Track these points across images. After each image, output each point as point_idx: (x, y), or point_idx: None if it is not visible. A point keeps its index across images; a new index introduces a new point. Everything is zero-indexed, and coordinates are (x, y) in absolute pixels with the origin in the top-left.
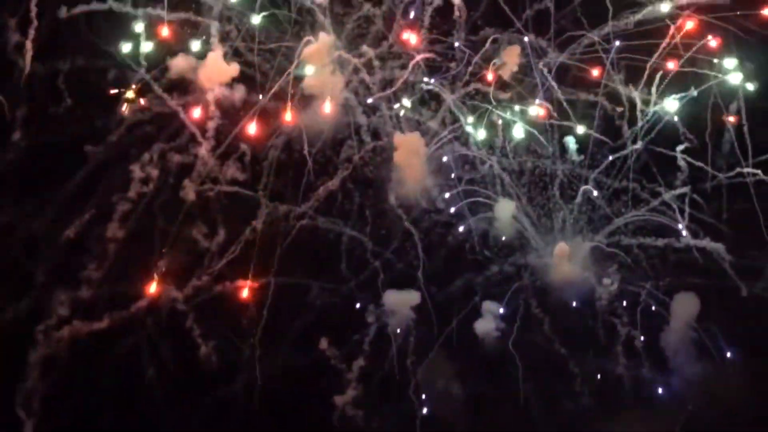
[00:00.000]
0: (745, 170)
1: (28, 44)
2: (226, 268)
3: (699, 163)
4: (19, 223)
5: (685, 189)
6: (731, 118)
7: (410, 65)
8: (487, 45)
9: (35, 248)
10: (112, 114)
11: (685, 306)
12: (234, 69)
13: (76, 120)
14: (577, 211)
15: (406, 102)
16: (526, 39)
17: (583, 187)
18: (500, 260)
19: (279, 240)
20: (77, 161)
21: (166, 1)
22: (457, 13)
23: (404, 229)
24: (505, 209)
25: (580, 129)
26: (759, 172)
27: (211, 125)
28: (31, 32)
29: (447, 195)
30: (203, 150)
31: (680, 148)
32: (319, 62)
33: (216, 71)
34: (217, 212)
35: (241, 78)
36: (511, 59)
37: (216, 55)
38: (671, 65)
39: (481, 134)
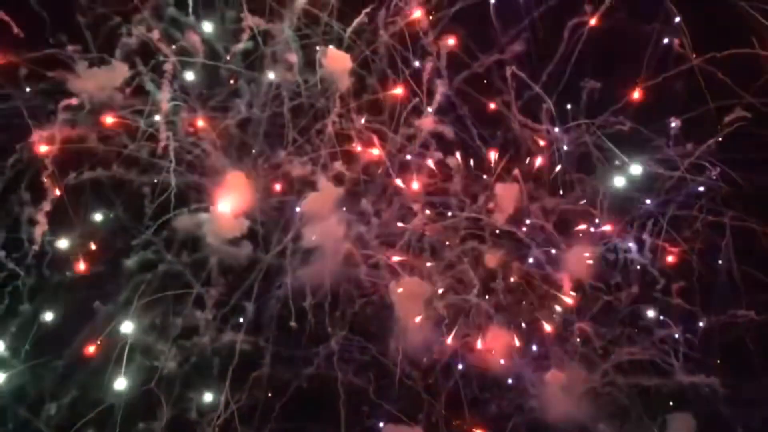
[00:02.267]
0: (739, 312)
1: (41, 217)
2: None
3: (693, 308)
4: None
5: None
6: None
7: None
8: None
9: None
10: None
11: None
12: (241, 224)
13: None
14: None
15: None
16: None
17: (578, 324)
18: (496, 399)
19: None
20: None
21: (172, 168)
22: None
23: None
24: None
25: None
26: (752, 313)
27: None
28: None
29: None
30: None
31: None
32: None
33: (223, 228)
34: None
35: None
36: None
37: (222, 210)
38: None
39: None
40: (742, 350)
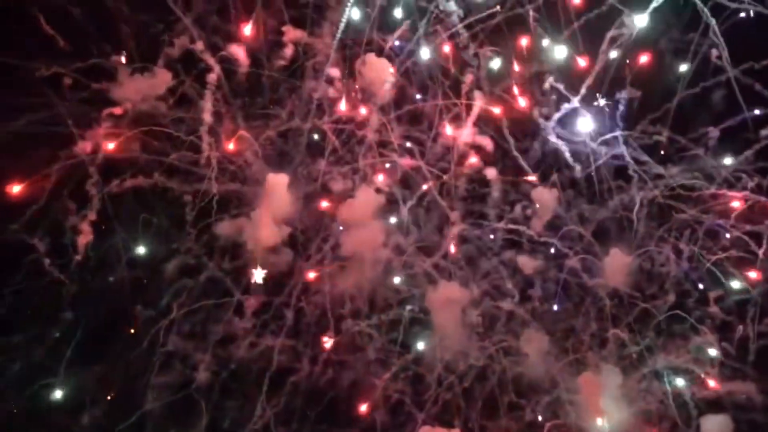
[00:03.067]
0: None
1: (85, 227)
2: None
3: (729, 317)
4: None
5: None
6: None
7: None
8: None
9: None
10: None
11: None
12: (281, 231)
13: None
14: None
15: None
16: None
17: (613, 331)
18: (531, 404)
19: None
20: None
21: (214, 177)
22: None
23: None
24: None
25: None
26: None
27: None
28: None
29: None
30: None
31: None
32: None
33: (263, 234)
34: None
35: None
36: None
37: (263, 215)
38: None
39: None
40: None
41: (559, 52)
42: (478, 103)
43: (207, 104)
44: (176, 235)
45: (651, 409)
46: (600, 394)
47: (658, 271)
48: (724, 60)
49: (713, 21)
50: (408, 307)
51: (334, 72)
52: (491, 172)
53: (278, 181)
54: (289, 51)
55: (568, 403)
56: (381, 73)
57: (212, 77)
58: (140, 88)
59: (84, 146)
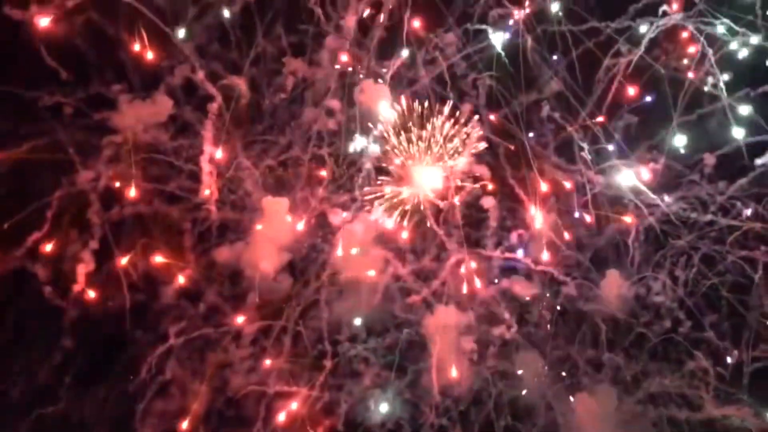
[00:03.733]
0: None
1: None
2: None
3: (723, 343)
4: None
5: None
6: None
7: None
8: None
9: None
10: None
11: None
12: (281, 257)
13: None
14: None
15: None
16: None
17: (606, 354)
18: (527, 427)
19: None
20: None
21: (214, 208)
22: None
23: None
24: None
25: None
26: None
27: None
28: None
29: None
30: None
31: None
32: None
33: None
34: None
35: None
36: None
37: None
38: None
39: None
40: None
41: (556, 83)
42: (476, 131)
43: (207, 134)
44: (175, 260)
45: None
46: (595, 416)
47: (653, 299)
48: (719, 88)
49: (710, 51)
50: (405, 330)
51: (334, 103)
52: (488, 201)
53: (276, 205)
54: (289, 82)
55: (564, 427)
56: (379, 100)
57: (213, 107)
58: (141, 115)
59: (86, 174)
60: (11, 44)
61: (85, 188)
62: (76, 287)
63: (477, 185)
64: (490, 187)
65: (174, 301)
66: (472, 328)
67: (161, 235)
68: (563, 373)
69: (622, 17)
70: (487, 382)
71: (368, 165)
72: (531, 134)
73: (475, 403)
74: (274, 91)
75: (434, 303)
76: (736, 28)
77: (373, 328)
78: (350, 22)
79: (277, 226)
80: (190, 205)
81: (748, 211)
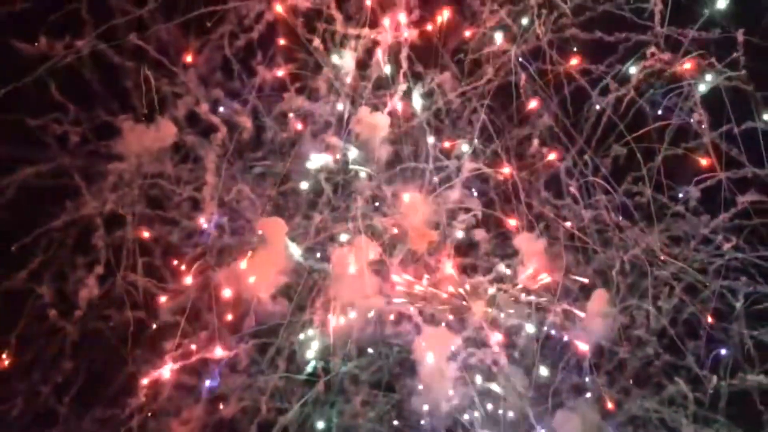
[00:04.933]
0: (748, 377)
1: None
2: None
3: (702, 372)
4: None
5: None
6: None
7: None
8: None
9: None
10: None
11: None
12: (278, 281)
13: None
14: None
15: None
16: None
17: (589, 377)
18: None
19: None
20: None
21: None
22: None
23: None
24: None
25: None
26: (762, 377)
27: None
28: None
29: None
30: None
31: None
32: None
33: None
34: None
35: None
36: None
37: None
38: None
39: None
40: (752, 408)
41: (547, 118)
42: (469, 164)
43: (210, 164)
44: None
45: None
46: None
47: (636, 328)
48: (703, 126)
49: (696, 90)
50: (396, 349)
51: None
52: (480, 233)
53: (273, 225)
54: (292, 121)
55: None
56: (376, 128)
57: (216, 137)
58: (144, 141)
59: (89, 199)
60: (19, 74)
61: (90, 213)
62: (78, 312)
63: (469, 215)
64: (481, 217)
65: (172, 320)
66: (458, 352)
67: (161, 258)
68: (547, 394)
69: (612, 57)
70: (472, 401)
71: (366, 194)
72: (521, 168)
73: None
74: (276, 125)
75: (424, 325)
76: (721, 68)
77: (364, 348)
78: (348, 60)
79: (274, 247)
80: (189, 230)
81: (730, 244)
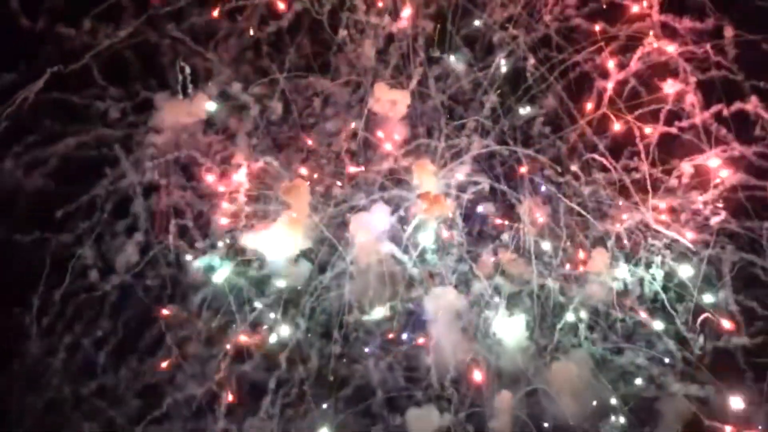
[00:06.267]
0: (733, 339)
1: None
2: None
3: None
4: None
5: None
6: None
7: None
8: None
9: None
10: None
11: None
12: (302, 242)
13: None
14: None
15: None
16: None
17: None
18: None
19: None
20: None
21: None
22: None
23: None
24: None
25: None
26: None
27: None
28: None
29: None
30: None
31: None
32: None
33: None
34: None
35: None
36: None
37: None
38: None
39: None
40: (735, 367)
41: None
42: (475, 139)
43: (241, 140)
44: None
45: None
46: (570, 381)
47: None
48: (696, 107)
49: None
50: (408, 303)
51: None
52: (488, 206)
53: (296, 191)
54: (316, 101)
55: (544, 393)
56: (395, 104)
57: (247, 114)
58: (179, 115)
59: (129, 169)
60: (64, 57)
61: (130, 181)
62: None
63: (477, 187)
64: (487, 190)
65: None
66: (466, 310)
67: (194, 221)
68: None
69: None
70: (477, 354)
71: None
72: (527, 147)
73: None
74: (302, 107)
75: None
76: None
77: (377, 306)
78: (368, 47)
79: (297, 212)
80: (220, 196)
81: (718, 218)
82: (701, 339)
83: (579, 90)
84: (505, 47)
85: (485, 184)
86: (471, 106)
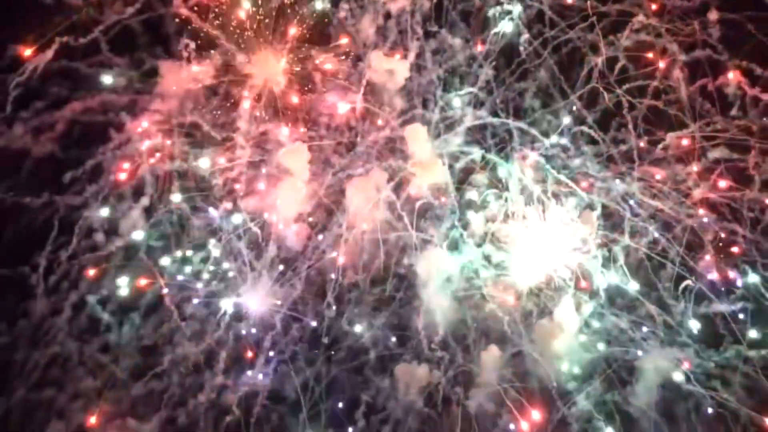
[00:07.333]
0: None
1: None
2: None
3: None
4: None
5: None
6: None
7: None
8: None
9: None
10: None
11: None
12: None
13: None
14: None
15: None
16: None
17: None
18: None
19: None
20: None
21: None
22: None
23: None
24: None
25: None
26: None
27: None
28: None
29: None
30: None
31: None
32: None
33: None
34: None
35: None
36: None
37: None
38: None
39: None
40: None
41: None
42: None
43: (243, 109)
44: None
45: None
46: (556, 338)
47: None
48: (682, 81)
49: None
50: (404, 265)
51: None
52: (479, 178)
53: (295, 152)
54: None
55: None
56: (392, 74)
57: (249, 86)
58: (183, 83)
59: (133, 127)
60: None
61: (135, 145)
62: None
63: (468, 158)
64: (480, 163)
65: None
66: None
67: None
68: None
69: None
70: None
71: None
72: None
73: (458, 328)
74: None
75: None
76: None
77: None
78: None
79: (296, 175)
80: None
81: (701, 190)
82: (682, 304)
83: (570, 65)
84: (499, 22)
85: (476, 154)
86: (466, 80)
